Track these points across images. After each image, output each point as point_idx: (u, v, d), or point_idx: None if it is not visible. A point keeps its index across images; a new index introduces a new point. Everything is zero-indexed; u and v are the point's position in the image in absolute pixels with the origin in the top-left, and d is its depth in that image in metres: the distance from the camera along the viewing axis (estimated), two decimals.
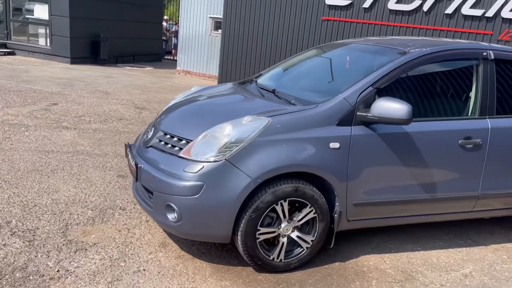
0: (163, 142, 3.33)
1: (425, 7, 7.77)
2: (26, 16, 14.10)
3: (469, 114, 3.70)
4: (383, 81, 3.36)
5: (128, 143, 3.77)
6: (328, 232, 3.37)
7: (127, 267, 3.13)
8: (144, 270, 3.11)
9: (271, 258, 3.18)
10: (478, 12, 7.47)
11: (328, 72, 4.15)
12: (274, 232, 3.16)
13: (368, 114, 3.19)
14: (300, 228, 3.28)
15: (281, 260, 3.21)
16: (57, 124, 6.63)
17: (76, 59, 13.44)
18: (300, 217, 3.19)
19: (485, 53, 3.69)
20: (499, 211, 3.98)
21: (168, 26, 20.17)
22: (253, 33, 9.30)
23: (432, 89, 3.72)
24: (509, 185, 3.81)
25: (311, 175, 3.16)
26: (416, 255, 3.74)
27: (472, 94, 3.71)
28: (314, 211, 3.20)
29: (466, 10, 7.48)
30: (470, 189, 3.69)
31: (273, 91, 3.77)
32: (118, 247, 3.37)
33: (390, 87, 3.51)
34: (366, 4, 8.09)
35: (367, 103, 3.25)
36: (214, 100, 3.95)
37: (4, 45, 14.31)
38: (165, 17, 20.48)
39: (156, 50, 17.48)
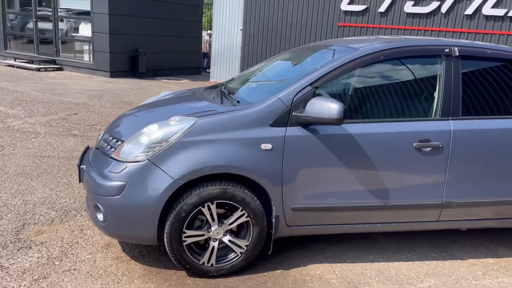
0: (105, 144, 3.37)
1: (444, 9, 7.38)
2: (73, 34, 14.96)
3: (428, 115, 3.44)
4: (324, 80, 3.21)
5: (88, 146, 3.84)
6: (269, 238, 3.23)
7: (60, 266, 3.17)
8: (75, 269, 3.14)
9: (201, 262, 3.10)
10: (500, 12, 6.98)
11: (288, 74, 4.03)
12: (203, 235, 3.09)
13: (302, 115, 3.06)
14: (234, 232, 3.17)
15: (212, 264, 3.12)
16: (67, 132, 6.93)
17: (115, 73, 14.03)
18: (231, 220, 3.09)
19: (447, 49, 3.42)
20: (472, 222, 3.64)
21: (209, 40, 20.62)
22: (271, 41, 9.27)
23: (386, 88, 3.50)
24: (478, 193, 3.48)
25: (243, 177, 3.06)
26: (374, 266, 3.50)
27: (433, 93, 3.44)
28: (246, 214, 3.09)
29: (487, 10, 7.02)
30: (432, 196, 3.41)
31: (226, 94, 3.72)
32: (62, 247, 3.43)
33: (336, 87, 3.35)
34: (382, 8, 7.82)
35: (305, 104, 3.11)
36: (164, 103, 3.96)
37: (54, 61, 15.23)
38: (209, 31, 20.96)
39: (195, 63, 17.89)
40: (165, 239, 3.02)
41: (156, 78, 15.39)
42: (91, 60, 14.40)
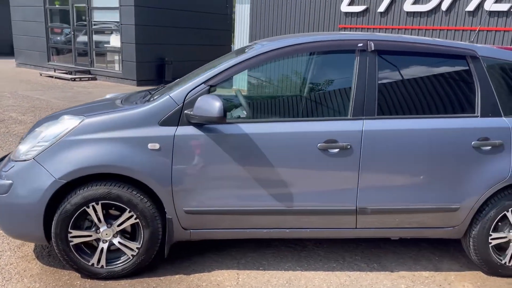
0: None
1: (444, 6, 6.94)
2: (105, 45, 15.58)
3: (340, 115, 3.22)
4: (220, 78, 3.09)
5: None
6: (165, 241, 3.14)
7: None
8: None
9: (90, 264, 3.06)
10: (504, 7, 6.46)
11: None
12: (90, 236, 3.05)
13: (190, 113, 2.96)
14: (124, 234, 3.11)
15: (102, 266, 3.07)
16: None
17: (141, 81, 14.43)
18: (119, 222, 3.04)
19: (360, 44, 3.18)
20: (395, 230, 3.34)
21: None
22: None
23: (296, 86, 3.31)
24: (397, 199, 3.19)
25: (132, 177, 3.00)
26: (285, 275, 3.31)
27: (346, 91, 3.22)
28: (135, 216, 3.02)
29: (489, 5, 6.52)
30: (344, 201, 3.17)
31: (149, 94, 3.67)
32: None
33: (243, 85, 3.22)
34: (382, 8, 7.49)
35: None
36: (85, 105, 3.97)
37: (88, 72, 15.92)
38: None
39: None
40: (52, 239, 3.00)
41: None
42: (120, 69, 14.90)
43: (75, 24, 16.21)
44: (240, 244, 3.67)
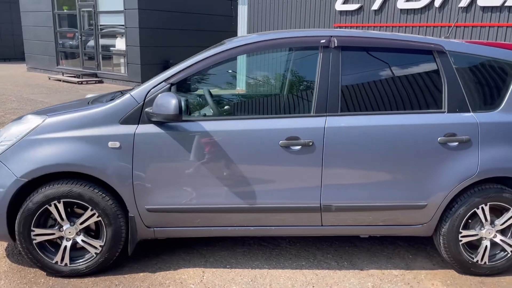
0: None
1: (437, 3, 6.84)
2: (111, 48, 15.75)
3: (304, 112, 3.20)
4: (181, 75, 3.10)
5: None
6: (129, 239, 3.15)
7: None
8: None
9: (54, 261, 3.09)
10: (497, 2, 6.35)
11: None
12: (53, 234, 3.08)
13: (150, 111, 2.97)
14: (89, 232, 3.13)
15: (66, 264, 3.10)
16: None
17: None
18: (81, 220, 3.06)
19: (323, 40, 3.15)
20: (363, 228, 3.31)
21: None
22: None
23: (258, 84, 3.30)
24: (362, 196, 3.16)
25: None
26: (251, 273, 3.30)
27: (310, 88, 3.20)
28: (97, 214, 3.04)
29: (483, 1, 6.41)
30: (308, 199, 3.15)
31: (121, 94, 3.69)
32: None
33: (198, 82, 3.22)
34: (375, 6, 7.43)
35: None
36: (56, 105, 4.00)
37: (95, 75, 16.11)
38: None
39: None
40: (16, 237, 3.04)
41: None
42: (126, 72, 15.05)
43: (82, 28, 16.42)
44: (213, 242, 3.67)
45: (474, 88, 3.22)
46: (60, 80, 15.82)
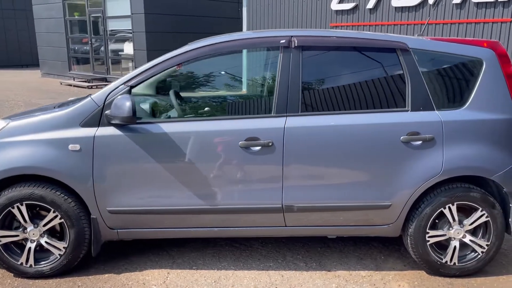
0: None
1: (431, 0, 6.75)
2: (119, 53, 15.97)
3: (265, 112, 3.20)
4: (141, 78, 3.12)
5: None
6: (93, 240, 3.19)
7: None
8: None
9: (19, 263, 3.14)
10: None
11: None
12: (17, 236, 3.13)
13: (108, 114, 3.00)
14: (55, 234, 3.18)
15: (31, 265, 3.15)
16: None
17: None
18: (44, 222, 3.11)
19: (283, 41, 3.14)
20: (330, 228, 3.28)
21: None
22: None
23: (221, 85, 3.31)
24: (325, 196, 3.13)
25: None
26: (216, 274, 3.30)
27: (269, 89, 3.20)
28: (59, 216, 3.09)
29: None
30: (270, 199, 3.13)
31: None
32: None
33: (161, 84, 3.25)
34: (370, 5, 7.36)
35: None
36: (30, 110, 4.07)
37: (105, 79, 16.34)
38: None
39: None
40: None
41: None
42: None
43: (92, 33, 16.68)
44: (184, 243, 3.68)
45: (439, 86, 3.17)
46: (71, 85, 16.09)
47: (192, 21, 15.66)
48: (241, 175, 3.09)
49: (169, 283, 3.15)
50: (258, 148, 3.04)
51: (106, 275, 3.25)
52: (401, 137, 3.05)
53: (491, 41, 3.24)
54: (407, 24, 7.18)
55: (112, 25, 15.96)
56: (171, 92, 3.46)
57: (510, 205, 3.20)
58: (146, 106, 3.42)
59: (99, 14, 16.05)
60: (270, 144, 3.03)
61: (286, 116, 3.08)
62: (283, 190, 3.10)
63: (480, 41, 3.24)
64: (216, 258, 3.52)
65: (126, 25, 15.14)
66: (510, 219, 3.25)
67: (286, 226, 3.22)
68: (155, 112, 3.39)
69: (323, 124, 3.09)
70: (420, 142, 3.06)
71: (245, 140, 3.03)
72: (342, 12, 7.90)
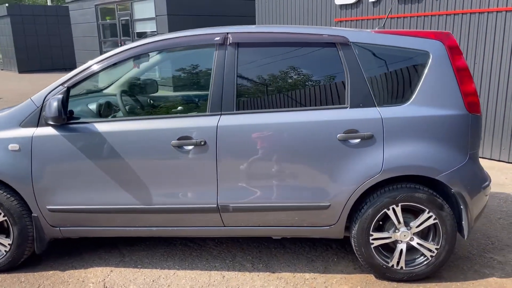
0: None
1: None
2: None
3: (197, 111, 3.17)
4: (76, 78, 3.16)
5: None
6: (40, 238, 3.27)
7: None
8: None
9: None
10: None
11: None
12: None
13: (43, 114, 3.07)
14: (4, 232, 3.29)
15: None
16: None
17: None
18: None
19: (218, 38, 3.09)
20: (271, 229, 3.20)
21: None
22: None
23: (160, 84, 3.30)
24: (260, 195, 3.06)
25: None
26: (157, 273, 3.30)
27: (204, 87, 3.16)
28: (3, 214, 3.19)
29: None
30: (205, 199, 3.09)
31: None
32: None
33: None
34: None
35: None
36: None
37: None
38: None
39: None
40: None
41: None
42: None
43: (121, 36, 17.14)
44: (137, 242, 3.70)
45: (381, 81, 3.02)
46: None
47: (212, 20, 15.72)
48: (176, 175, 3.07)
49: (107, 281, 3.18)
50: (190, 147, 3.01)
51: (51, 271, 3.32)
52: (338, 135, 2.94)
53: (440, 32, 3.05)
54: (410, 17, 6.89)
55: (139, 27, 16.34)
56: (118, 92, 3.49)
57: (461, 206, 3.01)
58: (93, 106, 3.46)
59: (127, 17, 16.46)
60: (203, 143, 2.99)
61: (220, 114, 3.03)
62: (218, 190, 3.05)
63: (429, 33, 3.06)
64: (165, 257, 3.52)
65: (151, 27, 15.45)
66: (463, 222, 3.05)
67: (224, 226, 3.17)
68: (101, 112, 3.43)
69: (258, 122, 3.02)
70: (359, 140, 2.93)
71: (177, 140, 3.01)
72: (346, 6, 7.69)
